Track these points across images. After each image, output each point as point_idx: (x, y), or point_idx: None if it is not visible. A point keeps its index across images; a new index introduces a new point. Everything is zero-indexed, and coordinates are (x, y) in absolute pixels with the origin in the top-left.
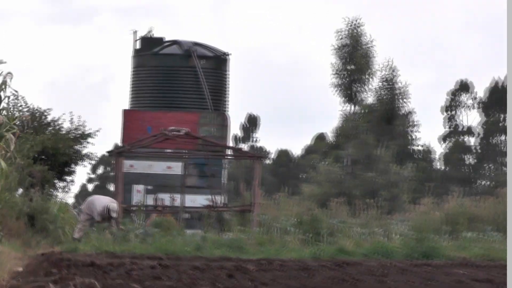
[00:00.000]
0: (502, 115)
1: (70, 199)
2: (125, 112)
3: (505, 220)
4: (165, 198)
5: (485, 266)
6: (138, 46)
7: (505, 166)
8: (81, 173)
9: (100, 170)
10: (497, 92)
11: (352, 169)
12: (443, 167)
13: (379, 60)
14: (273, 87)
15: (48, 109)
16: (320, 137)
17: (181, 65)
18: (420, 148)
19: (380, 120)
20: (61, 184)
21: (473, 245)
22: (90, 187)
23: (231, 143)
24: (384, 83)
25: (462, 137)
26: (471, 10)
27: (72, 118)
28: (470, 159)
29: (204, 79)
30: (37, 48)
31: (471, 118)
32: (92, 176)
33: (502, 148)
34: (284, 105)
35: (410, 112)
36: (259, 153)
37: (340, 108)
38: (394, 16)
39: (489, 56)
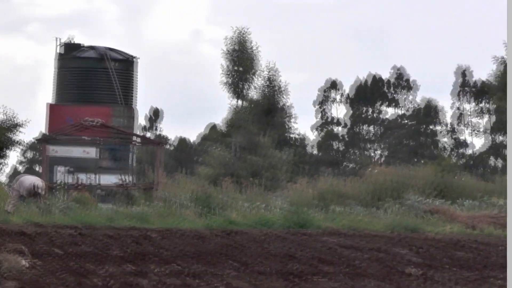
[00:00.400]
0: (365, 108)
1: (3, 179)
2: (50, 106)
3: (368, 196)
4: (83, 177)
5: (351, 235)
6: (60, 51)
7: (368, 150)
8: (13, 157)
9: (29, 155)
10: (360, 89)
11: (239, 153)
12: (315, 152)
13: (263, 62)
14: (174, 84)
15: None
16: (213, 127)
17: (96, 67)
18: (296, 136)
19: (263, 112)
20: None
21: (341, 217)
22: (21, 168)
23: (138, 132)
24: (267, 82)
25: (331, 127)
26: (342, 21)
27: (5, 111)
28: (338, 145)
29: (115, 78)
30: None
31: (339, 111)
32: (22, 159)
33: (365, 136)
34: (183, 99)
35: (288, 106)
36: (161, 140)
37: (229, 102)
38: (277, 25)
39: (353, 59)
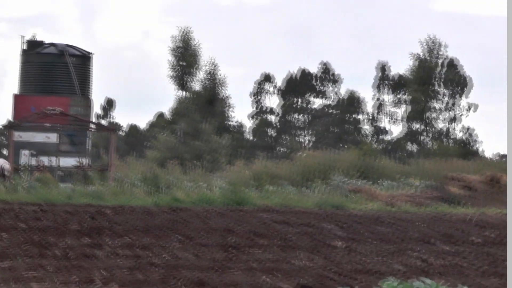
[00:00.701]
0: (295, 99)
1: None
2: (15, 96)
3: (298, 177)
4: (45, 160)
5: (283, 212)
6: (25, 47)
7: (298, 137)
8: None
9: None
10: (291, 82)
11: (184, 139)
12: (251, 138)
13: (205, 58)
14: (126, 77)
15: None
16: (160, 115)
17: (57, 61)
18: (234, 123)
19: (204, 102)
20: None
21: (274, 196)
22: None
23: (93, 120)
24: (208, 75)
25: (265, 116)
26: (275, 21)
27: None
28: (271, 132)
29: (73, 72)
30: None
31: (272, 101)
32: None
33: (295, 124)
34: (134, 91)
35: (226, 97)
36: (114, 127)
37: (174, 93)
38: (218, 25)
39: (285, 55)
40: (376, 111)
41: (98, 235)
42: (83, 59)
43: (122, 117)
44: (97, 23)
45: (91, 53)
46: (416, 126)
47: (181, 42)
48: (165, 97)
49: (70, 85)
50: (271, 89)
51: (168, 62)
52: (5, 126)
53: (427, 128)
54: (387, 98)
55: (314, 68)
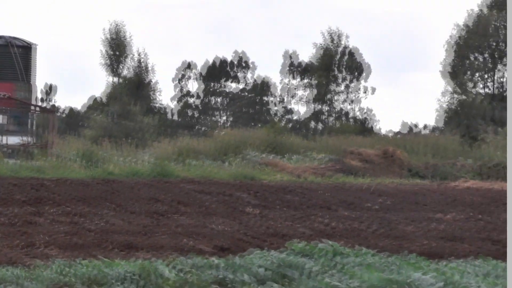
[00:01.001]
0: (214, 84)
1: None
2: None
3: (216, 152)
4: None
5: (203, 183)
6: None
7: (216, 117)
8: None
9: None
10: (210, 69)
11: (116, 119)
12: (175, 118)
13: (135, 48)
14: (65, 65)
15: None
16: (95, 99)
17: (3, 51)
18: (160, 105)
19: (134, 87)
20: None
21: (195, 168)
22: None
23: (36, 103)
24: (137, 63)
25: (187, 99)
26: (196, 15)
27: None
28: (193, 113)
29: (18, 61)
30: None
31: (194, 86)
32: None
33: (214, 106)
34: (72, 77)
35: (154, 82)
36: (54, 109)
37: (107, 79)
38: (148, 18)
39: (205, 44)
40: (285, 94)
41: (40, 204)
42: (27, 49)
43: (61, 101)
44: (40, 16)
45: (34, 44)
46: (320, 107)
47: (114, 34)
48: (99, 83)
49: (15, 73)
50: (192, 75)
51: (100, 52)
52: None
53: (330, 109)
54: (295, 82)
55: (229, 57)
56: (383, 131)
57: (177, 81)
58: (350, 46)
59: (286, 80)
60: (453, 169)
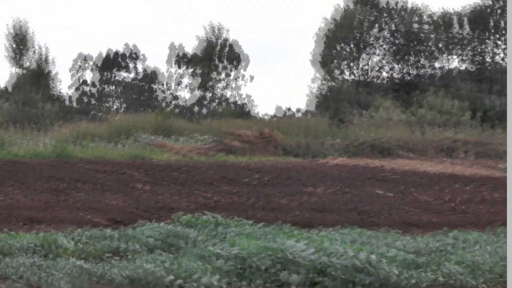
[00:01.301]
0: (109, 73)
1: None
2: None
3: (111, 135)
4: None
5: (99, 162)
6: None
7: (112, 104)
8: None
9: None
10: (104, 60)
11: (20, 106)
12: (74, 105)
13: (37, 43)
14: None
15: None
16: (1, 88)
17: None
18: (60, 93)
19: (35, 77)
20: None
21: (92, 150)
22: None
23: None
24: (38, 56)
25: (85, 87)
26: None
27: None
28: (90, 100)
29: None
30: None
31: (91, 76)
32: None
33: (109, 93)
34: None
35: (54, 73)
36: None
37: (11, 70)
38: (52, 15)
39: (99, 38)
40: (172, 82)
41: None
42: None
43: None
44: None
45: None
46: (203, 94)
47: (18, 29)
48: (3, 74)
49: None
50: (89, 66)
51: (4, 46)
52: None
53: (212, 95)
54: (181, 71)
55: (121, 49)
56: (260, 115)
57: (74, 71)
58: (231, 39)
59: (172, 70)
60: (323, 148)
